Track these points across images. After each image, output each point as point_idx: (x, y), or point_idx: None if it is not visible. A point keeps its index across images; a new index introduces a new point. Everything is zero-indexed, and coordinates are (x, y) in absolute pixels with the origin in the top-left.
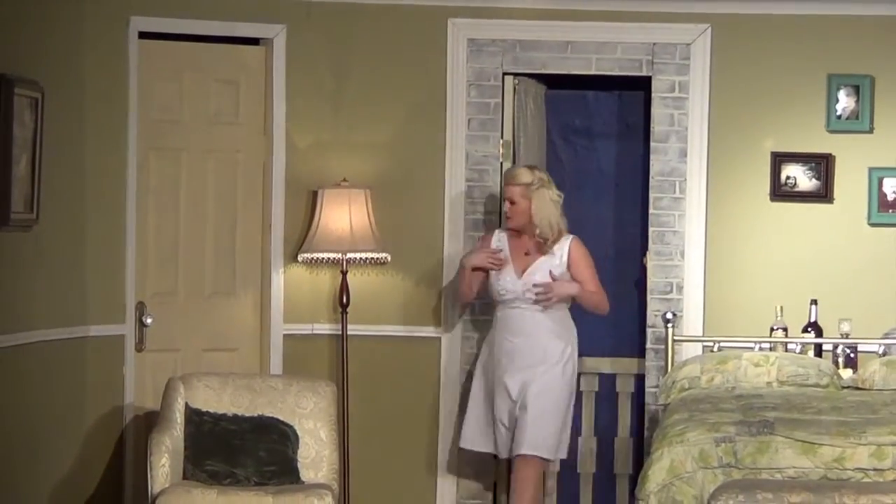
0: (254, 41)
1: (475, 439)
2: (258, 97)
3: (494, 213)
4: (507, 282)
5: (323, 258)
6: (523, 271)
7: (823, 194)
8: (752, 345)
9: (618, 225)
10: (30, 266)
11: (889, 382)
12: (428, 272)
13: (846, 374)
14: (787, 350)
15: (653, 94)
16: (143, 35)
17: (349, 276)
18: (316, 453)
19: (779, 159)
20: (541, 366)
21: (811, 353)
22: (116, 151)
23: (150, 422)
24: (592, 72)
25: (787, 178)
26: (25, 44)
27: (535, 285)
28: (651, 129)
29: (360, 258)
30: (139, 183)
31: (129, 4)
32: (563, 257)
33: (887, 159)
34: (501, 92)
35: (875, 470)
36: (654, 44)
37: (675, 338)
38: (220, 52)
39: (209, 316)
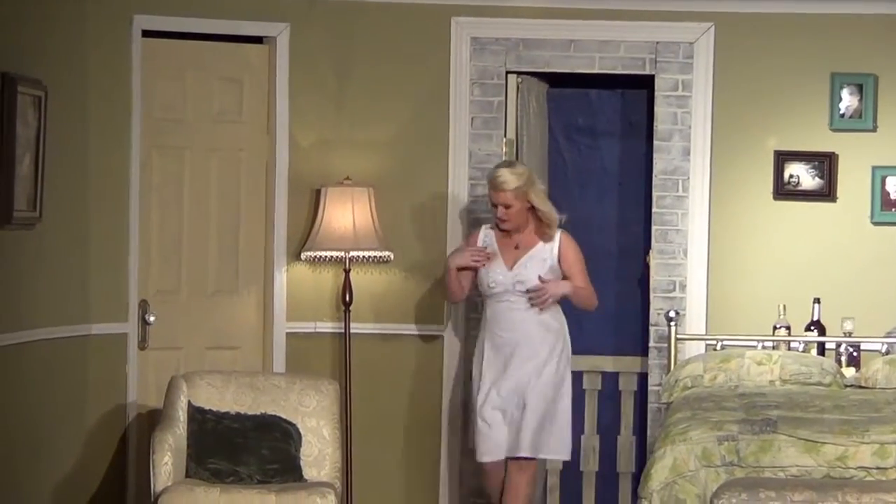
0: (257, 39)
1: (494, 450)
2: (261, 96)
3: None
4: (496, 274)
5: (326, 256)
6: (513, 264)
7: (826, 193)
8: (754, 343)
9: (621, 223)
10: (33, 264)
11: (892, 381)
12: (431, 270)
13: (849, 372)
14: (789, 349)
15: (656, 93)
16: (147, 33)
17: (352, 275)
18: (319, 451)
19: (782, 158)
20: (530, 362)
21: (814, 351)
22: (119, 150)
23: (152, 420)
24: (595, 70)
25: (791, 176)
26: (29, 42)
27: (528, 290)
28: (654, 127)
29: (363, 256)
30: (142, 181)
31: (133, 3)
32: (553, 251)
33: (890, 158)
34: (505, 90)
35: (878, 468)
36: (658, 42)
37: (678, 336)
38: (223, 51)
39: (212, 314)
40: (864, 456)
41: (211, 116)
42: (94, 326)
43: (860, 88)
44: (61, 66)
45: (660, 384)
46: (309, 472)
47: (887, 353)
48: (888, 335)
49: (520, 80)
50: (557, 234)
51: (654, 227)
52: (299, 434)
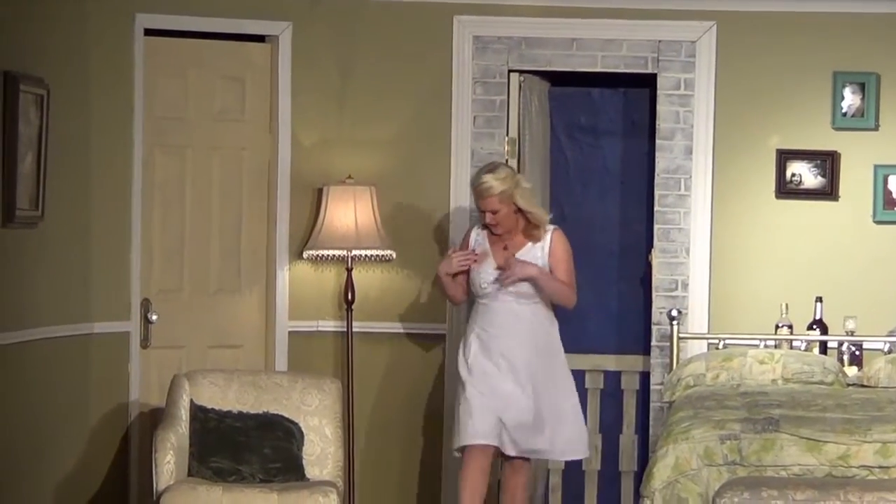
0: (259, 38)
1: (486, 432)
2: (263, 94)
3: None
4: (488, 274)
5: (328, 255)
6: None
7: (829, 192)
8: (757, 342)
9: (623, 222)
10: (35, 263)
11: (894, 380)
12: (433, 269)
13: (851, 371)
14: (792, 347)
15: (658, 92)
16: (149, 32)
17: (354, 273)
18: (321, 450)
19: (784, 156)
20: (522, 361)
21: (816, 350)
22: (121, 148)
23: (155, 419)
24: (598, 69)
25: (793, 175)
26: (31, 41)
27: (497, 268)
28: (656, 126)
29: (366, 255)
30: (144, 180)
31: (135, 1)
32: (545, 248)
33: (893, 157)
34: (507, 89)
35: (880, 467)
36: (660, 41)
37: (680, 335)
38: (225, 49)
39: (214, 313)
40: (867, 455)
41: (213, 115)
42: (96, 325)
43: (862, 87)
44: (63, 64)
45: (662, 383)
46: (311, 471)
47: (889, 351)
48: (890, 334)
49: (522, 78)
50: (549, 233)
51: (656, 226)
52: (301, 433)
